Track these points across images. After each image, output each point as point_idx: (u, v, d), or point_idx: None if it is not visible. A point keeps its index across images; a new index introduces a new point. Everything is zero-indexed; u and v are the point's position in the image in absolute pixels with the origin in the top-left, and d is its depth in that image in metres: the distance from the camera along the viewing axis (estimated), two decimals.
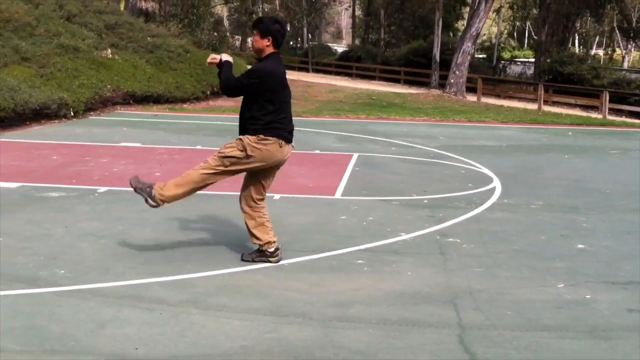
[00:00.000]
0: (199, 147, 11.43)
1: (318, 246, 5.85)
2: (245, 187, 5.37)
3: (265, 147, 5.08)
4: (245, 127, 5.18)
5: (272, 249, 5.32)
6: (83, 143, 11.39)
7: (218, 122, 15.50)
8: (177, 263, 5.24)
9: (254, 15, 49.98)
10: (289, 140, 5.23)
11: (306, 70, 39.91)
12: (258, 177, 5.30)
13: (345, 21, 72.46)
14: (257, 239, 5.30)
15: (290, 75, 34.47)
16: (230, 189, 8.03)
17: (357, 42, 46.40)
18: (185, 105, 20.08)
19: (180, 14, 32.60)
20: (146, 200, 5.06)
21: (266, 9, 50.93)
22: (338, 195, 8.05)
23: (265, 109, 5.10)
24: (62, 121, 14.37)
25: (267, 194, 5.48)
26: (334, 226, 6.57)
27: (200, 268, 5.13)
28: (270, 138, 5.08)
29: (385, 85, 31.80)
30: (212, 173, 5.13)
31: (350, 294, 4.71)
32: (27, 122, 13.46)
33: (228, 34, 48.76)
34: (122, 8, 29.69)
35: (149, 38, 22.94)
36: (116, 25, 22.51)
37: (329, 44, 54.84)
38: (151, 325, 4.05)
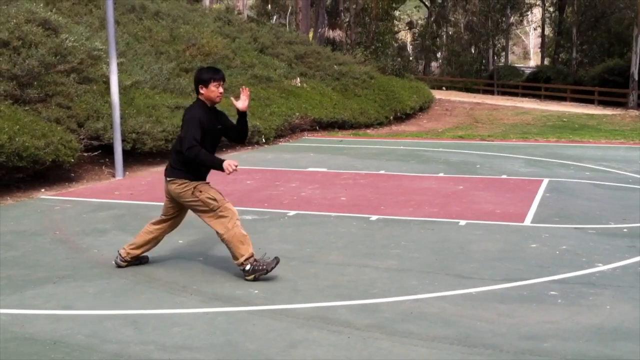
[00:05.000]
0: (382, 171, 11.54)
1: (507, 275, 5.65)
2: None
3: None
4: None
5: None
6: (274, 168, 11.95)
7: (401, 147, 15.58)
8: (362, 287, 5.29)
9: (437, 40, 50.04)
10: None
11: (491, 92, 39.06)
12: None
13: (533, 41, 70.19)
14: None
15: (475, 98, 34.10)
16: (414, 214, 8.04)
17: (546, 62, 44.71)
18: (368, 131, 20.43)
19: (365, 42, 33.35)
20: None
21: (450, 32, 50.68)
22: (527, 222, 7.73)
23: None
24: (255, 147, 15.20)
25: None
26: (524, 254, 6.31)
27: (385, 293, 5.14)
28: None
29: (577, 106, 30.25)
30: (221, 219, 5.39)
31: (544, 326, 4.49)
32: (224, 149, 14.36)
33: (411, 58, 49.12)
34: (310, 38, 30.95)
35: (335, 66, 23.72)
36: (305, 55, 23.52)
37: (516, 65, 53.30)
38: (339, 348, 4.12)
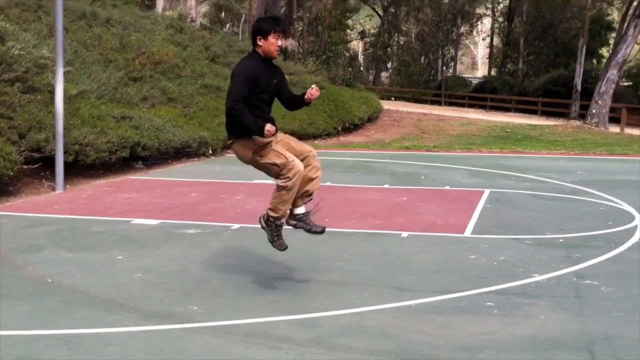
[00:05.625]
0: (328, 183, 11.55)
1: (446, 287, 5.73)
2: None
3: None
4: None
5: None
6: (220, 180, 11.89)
7: (348, 158, 15.67)
8: (303, 301, 5.31)
9: (388, 49, 50.55)
10: None
11: (439, 103, 39.65)
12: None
13: (481, 51, 71.46)
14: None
15: (423, 108, 34.36)
16: (358, 226, 8.10)
17: (493, 72, 45.59)
18: (317, 142, 20.47)
19: (318, 51, 33.44)
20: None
21: (401, 42, 51.25)
22: (468, 233, 7.86)
23: None
24: (201, 159, 15.08)
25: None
26: (463, 266, 6.42)
27: (326, 307, 5.16)
28: None
29: (521, 117, 30.92)
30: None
31: (480, 337, 4.57)
32: (169, 161, 14.23)
33: (362, 68, 49.51)
34: None
35: (286, 76, 23.70)
36: None
37: (464, 75, 54.23)
38: None
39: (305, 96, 5.27)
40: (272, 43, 5.12)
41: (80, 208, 9.24)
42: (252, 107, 5.09)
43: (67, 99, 11.73)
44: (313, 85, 5.32)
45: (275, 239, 5.36)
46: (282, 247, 5.37)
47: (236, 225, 8.11)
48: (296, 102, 5.45)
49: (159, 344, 4.41)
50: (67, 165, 10.90)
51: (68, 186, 10.90)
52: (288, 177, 5.09)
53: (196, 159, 15.00)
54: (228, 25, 55.03)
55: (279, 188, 5.16)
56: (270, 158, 5.13)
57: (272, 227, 5.32)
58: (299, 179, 5.10)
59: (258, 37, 5.13)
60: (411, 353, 4.29)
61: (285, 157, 5.11)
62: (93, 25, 19.11)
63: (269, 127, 5.00)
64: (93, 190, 10.78)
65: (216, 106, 17.65)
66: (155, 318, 4.91)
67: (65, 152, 10.83)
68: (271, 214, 5.27)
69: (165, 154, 14.07)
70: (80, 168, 11.77)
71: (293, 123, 20.22)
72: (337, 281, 5.89)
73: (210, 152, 15.59)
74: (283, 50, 35.36)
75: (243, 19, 51.61)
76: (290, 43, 37.35)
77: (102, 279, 5.87)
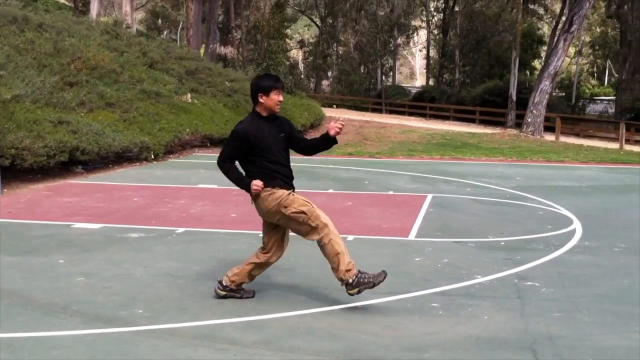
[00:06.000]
0: None
1: (392, 288, 5.78)
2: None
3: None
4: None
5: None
6: (162, 185, 11.74)
7: (293, 164, 15.61)
8: (250, 304, 5.28)
9: (327, 59, 50.87)
10: None
11: (379, 111, 40.10)
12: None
13: (419, 62, 72.62)
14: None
15: (364, 116, 34.62)
16: None
17: (431, 82, 46.43)
18: None
19: (257, 59, 33.43)
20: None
21: (340, 51, 51.65)
22: (412, 236, 7.97)
23: None
24: (143, 164, 14.85)
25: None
26: (408, 268, 6.50)
27: (273, 309, 5.15)
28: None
29: (459, 125, 31.56)
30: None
31: (425, 337, 4.63)
32: (110, 165, 13.99)
33: (303, 76, 49.69)
34: (202, 54, 30.66)
35: (227, 82, 23.64)
36: (196, 71, 23.29)
37: (403, 85, 55.02)
38: None
39: (330, 132, 5.37)
40: (273, 99, 5.24)
41: (19, 212, 8.97)
42: (260, 167, 5.27)
43: (1, 103, 11.42)
44: (338, 118, 5.41)
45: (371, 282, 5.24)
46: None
47: (181, 229, 8.02)
48: (317, 146, 5.59)
49: (104, 347, 4.31)
50: (4, 169, 10.60)
51: (5, 190, 10.57)
52: (317, 226, 5.12)
53: (138, 163, 14.77)
54: (165, 32, 54.45)
55: (323, 246, 5.18)
56: (295, 206, 5.18)
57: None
58: (325, 227, 5.13)
59: (260, 94, 5.23)
60: (359, 353, 4.31)
61: (311, 204, 5.19)
62: (25, 29, 18.61)
63: (254, 184, 5.15)
64: (32, 194, 10.49)
65: (156, 112, 17.44)
66: (99, 322, 4.81)
67: (1, 156, 10.55)
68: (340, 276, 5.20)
69: (106, 159, 13.82)
70: (18, 172, 11.44)
71: None
72: (284, 283, 5.88)
73: (153, 156, 15.38)
74: (222, 58, 35.27)
75: (180, 26, 51.13)
76: (229, 50, 37.22)
77: (44, 283, 5.72)
